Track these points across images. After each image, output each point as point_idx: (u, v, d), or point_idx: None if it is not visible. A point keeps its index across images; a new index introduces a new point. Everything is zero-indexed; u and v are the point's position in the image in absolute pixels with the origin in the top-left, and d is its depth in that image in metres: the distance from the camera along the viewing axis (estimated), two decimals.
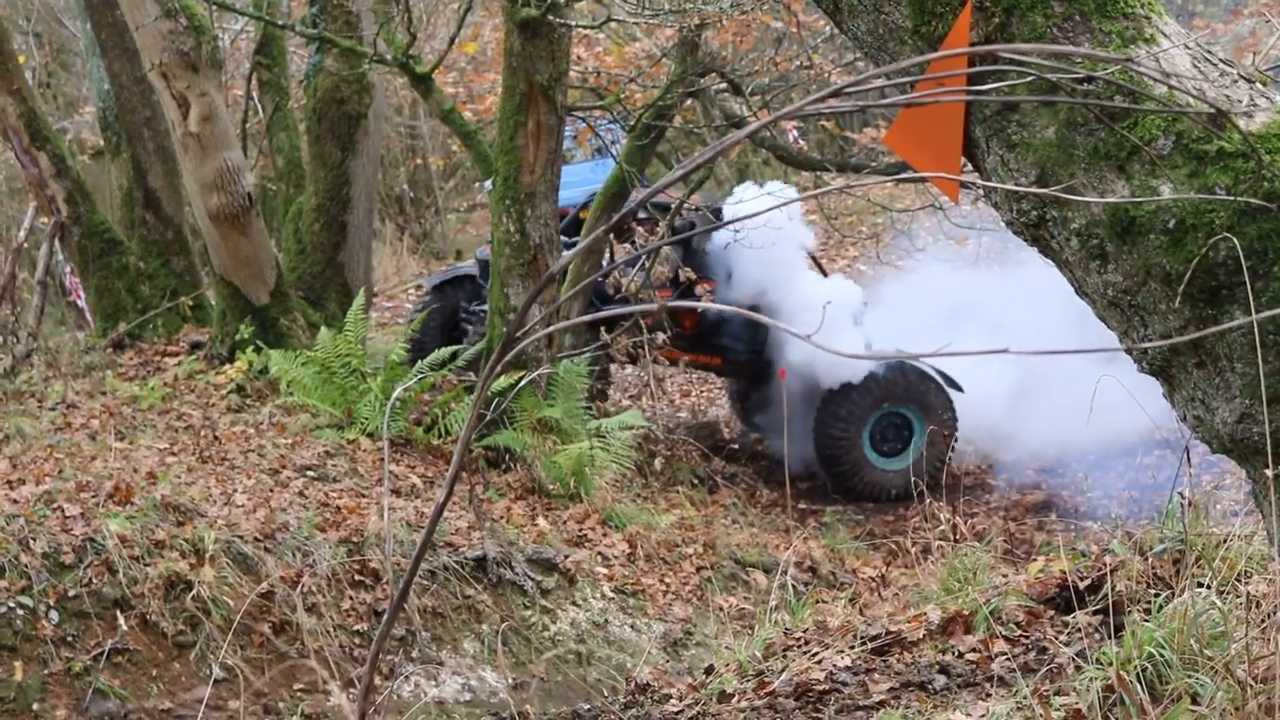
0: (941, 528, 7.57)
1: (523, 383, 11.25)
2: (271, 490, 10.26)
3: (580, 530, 11.14)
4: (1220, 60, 2.77)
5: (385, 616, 2.51)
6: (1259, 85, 2.75)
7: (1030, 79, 2.69)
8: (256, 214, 12.73)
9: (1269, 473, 2.68)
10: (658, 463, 13.80)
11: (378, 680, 9.15)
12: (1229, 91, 2.70)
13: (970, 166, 2.93)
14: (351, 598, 9.55)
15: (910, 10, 2.82)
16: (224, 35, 17.74)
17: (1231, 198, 2.58)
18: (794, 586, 10.86)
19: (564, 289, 13.99)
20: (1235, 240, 2.58)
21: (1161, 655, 4.83)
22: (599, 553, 10.86)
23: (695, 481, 14.17)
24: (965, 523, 8.38)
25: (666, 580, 10.93)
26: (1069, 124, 2.68)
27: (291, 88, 15.55)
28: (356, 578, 9.58)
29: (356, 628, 9.41)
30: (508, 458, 11.85)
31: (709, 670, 6.69)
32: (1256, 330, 2.59)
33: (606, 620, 10.23)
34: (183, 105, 12.20)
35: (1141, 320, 2.73)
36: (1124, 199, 2.63)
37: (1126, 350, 2.80)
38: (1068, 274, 2.83)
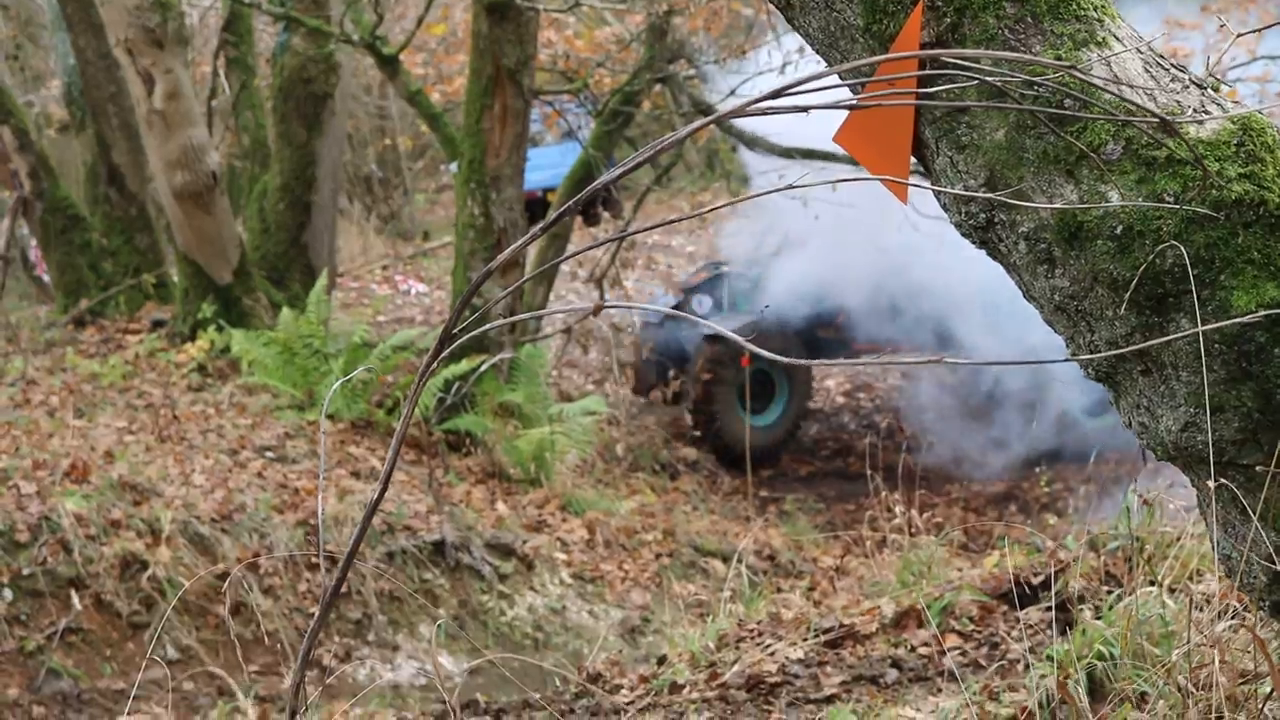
0: (897, 521, 7.57)
1: (484, 366, 11.21)
2: (230, 471, 10.22)
3: (540, 515, 11.13)
4: (1172, 65, 2.76)
5: (318, 613, 2.50)
6: (1210, 91, 2.74)
7: (979, 82, 2.68)
8: (221, 192, 12.66)
9: (1210, 484, 2.67)
10: (620, 448, 13.80)
11: (334, 663, 9.13)
12: (1180, 98, 2.69)
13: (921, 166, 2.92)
14: (308, 580, 9.53)
15: (862, 8, 2.80)
16: (192, 12, 17.62)
17: (1178, 206, 2.58)
18: (752, 576, 10.91)
19: (529, 272, 13.96)
20: (1182, 248, 2.57)
21: (1111, 654, 4.84)
22: (558, 538, 10.85)
23: (657, 468, 14.17)
24: (924, 515, 8.37)
25: (625, 567, 10.93)
26: (1019, 127, 2.67)
27: (259, 65, 15.48)
28: (314, 560, 9.55)
29: (313, 610, 9.37)
30: (469, 442, 11.83)
31: (661, 661, 6.68)
32: (1201, 340, 2.58)
33: (564, 606, 10.23)
34: (148, 82, 12.12)
35: (1088, 326, 2.72)
36: (1072, 204, 2.62)
37: (1073, 356, 2.79)
38: (1015, 278, 2.82)
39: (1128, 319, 2.66)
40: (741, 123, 13.02)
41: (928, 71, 2.72)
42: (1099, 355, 2.71)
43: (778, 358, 2.17)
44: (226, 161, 16.09)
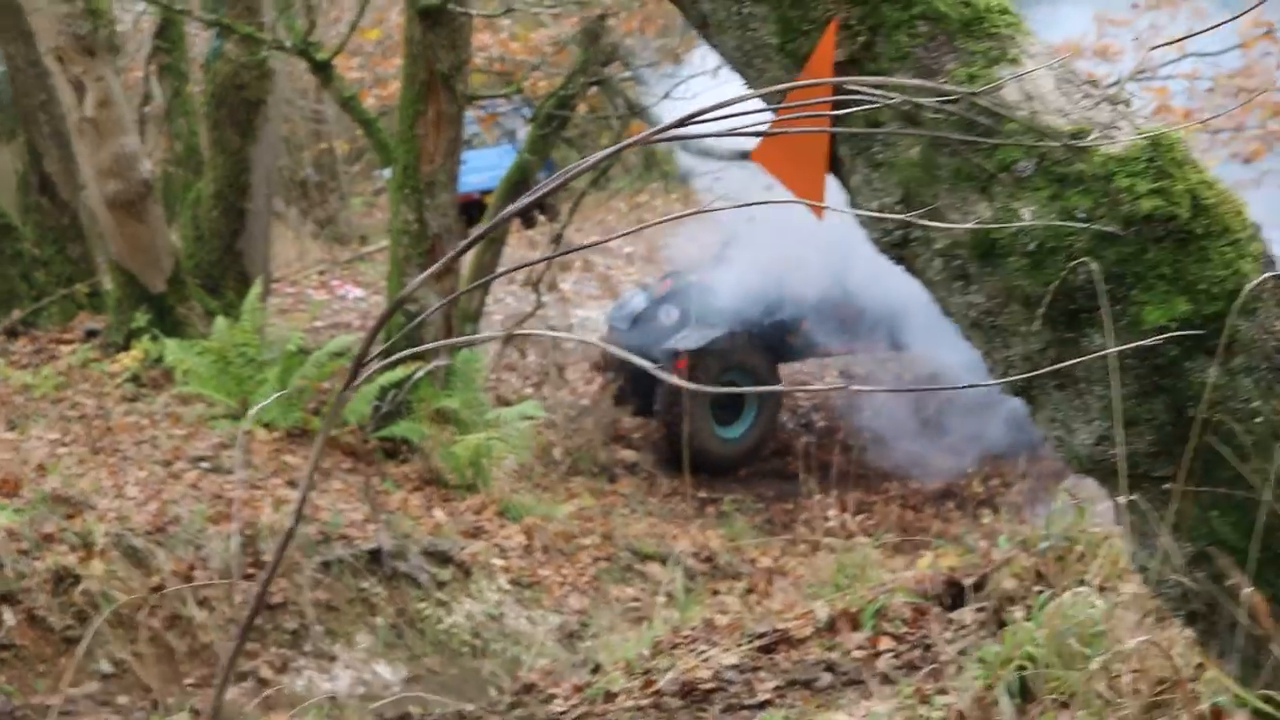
0: (830, 523, 7.61)
1: (419, 374, 11.18)
2: (164, 482, 10.14)
3: (477, 522, 11.10)
4: (1084, 81, 2.79)
5: (239, 629, 2.49)
6: (1121, 106, 2.76)
7: (893, 100, 2.70)
8: (153, 201, 12.57)
9: (1121, 499, 2.70)
10: (558, 452, 13.80)
11: (270, 675, 9.08)
12: (1091, 113, 2.71)
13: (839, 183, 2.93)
14: (244, 591, 9.47)
15: (776, 27, 2.81)
16: (124, 18, 17.51)
17: (1089, 224, 2.60)
18: (689, 578, 10.93)
19: (465, 279, 13.95)
20: (1094, 264, 2.59)
21: (1038, 656, 4.86)
22: (496, 544, 10.83)
23: (595, 470, 14.18)
24: (859, 517, 8.41)
25: (563, 572, 10.91)
26: (932, 145, 2.69)
27: (193, 71, 15.38)
28: (249, 571, 9.49)
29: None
30: (405, 448, 11.79)
31: (596, 669, 6.69)
32: (1112, 358, 2.61)
33: (502, 613, 10.21)
34: (79, 90, 12.02)
35: (1003, 342, 2.75)
36: (985, 222, 2.64)
37: (989, 370, 2.82)
38: (932, 294, 2.84)
39: (1042, 334, 2.68)
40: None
41: (841, 96, 2.73)
42: (1014, 378, 2.73)
43: (688, 384, 2.17)
44: (161, 168, 15.98)
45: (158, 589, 9.08)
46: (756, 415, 15.37)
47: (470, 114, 14.70)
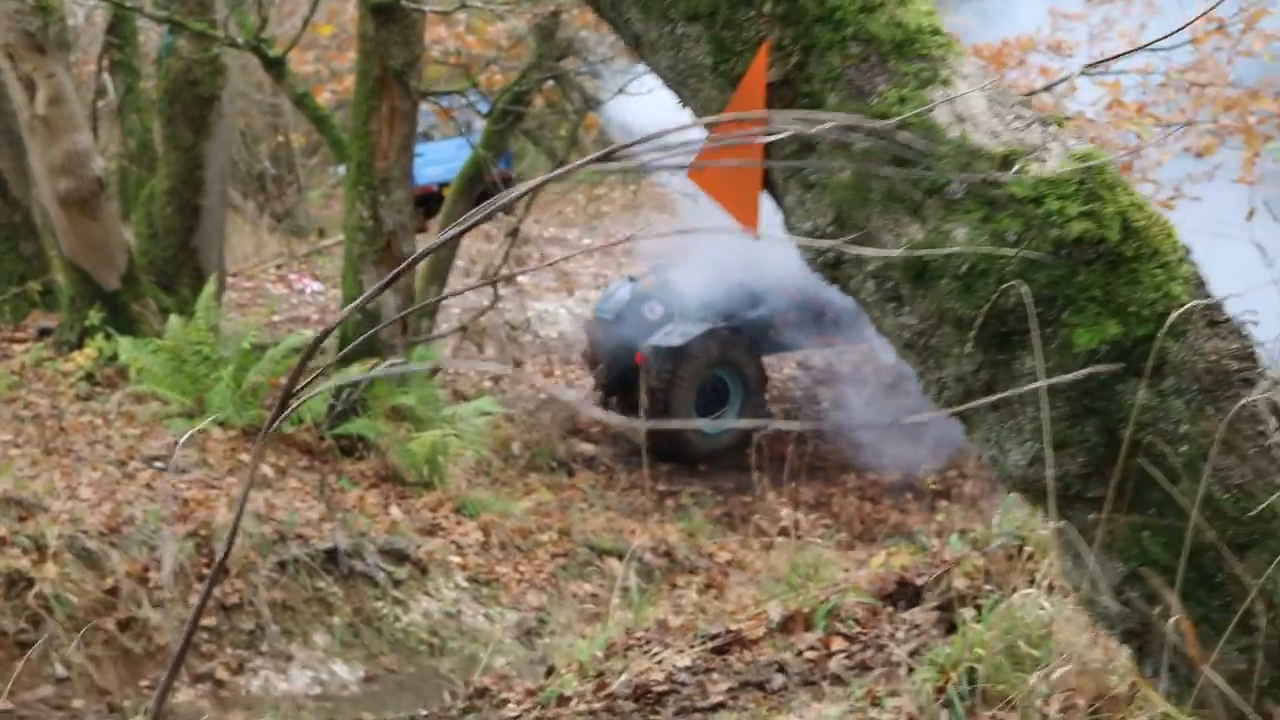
0: (783, 523, 7.62)
1: (374, 373, 11.13)
2: (118, 483, 10.10)
3: (434, 519, 11.09)
4: (1016, 101, 2.80)
5: (179, 643, 2.48)
6: (1054, 127, 2.77)
7: (826, 123, 2.70)
8: (106, 198, 12.50)
9: (1051, 525, 2.71)
10: (516, 446, 13.79)
11: (226, 676, 9.06)
12: (1023, 135, 2.72)
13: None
14: (199, 592, 9.44)
15: (709, 47, 2.81)
16: (77, 12, 17.39)
17: (1018, 246, 2.61)
18: (647, 574, 10.94)
19: (422, 275, 13.93)
20: (1025, 286, 2.60)
21: (992, 659, 4.88)
22: (453, 541, 10.82)
23: (554, 465, 14.17)
24: (814, 515, 8.43)
25: (521, 568, 10.91)
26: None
27: (146, 66, 15.29)
28: (204, 572, 9.46)
29: (205, 623, 9.29)
30: (361, 446, 11.76)
31: (549, 671, 6.69)
32: (1043, 378, 2.62)
33: (459, 610, 10.20)
34: (29, 87, 11.95)
35: (936, 363, 2.75)
36: (916, 244, 2.64)
37: (923, 389, 2.82)
38: (867, 314, 2.85)
39: (975, 356, 2.69)
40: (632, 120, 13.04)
41: (774, 123, 2.73)
42: (947, 410, 2.74)
43: (618, 419, 2.17)
44: (117, 161, 15.89)
45: (112, 591, 9.06)
46: (740, 411, 15.35)
47: (427, 106, 14.64)
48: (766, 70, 2.75)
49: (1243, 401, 2.64)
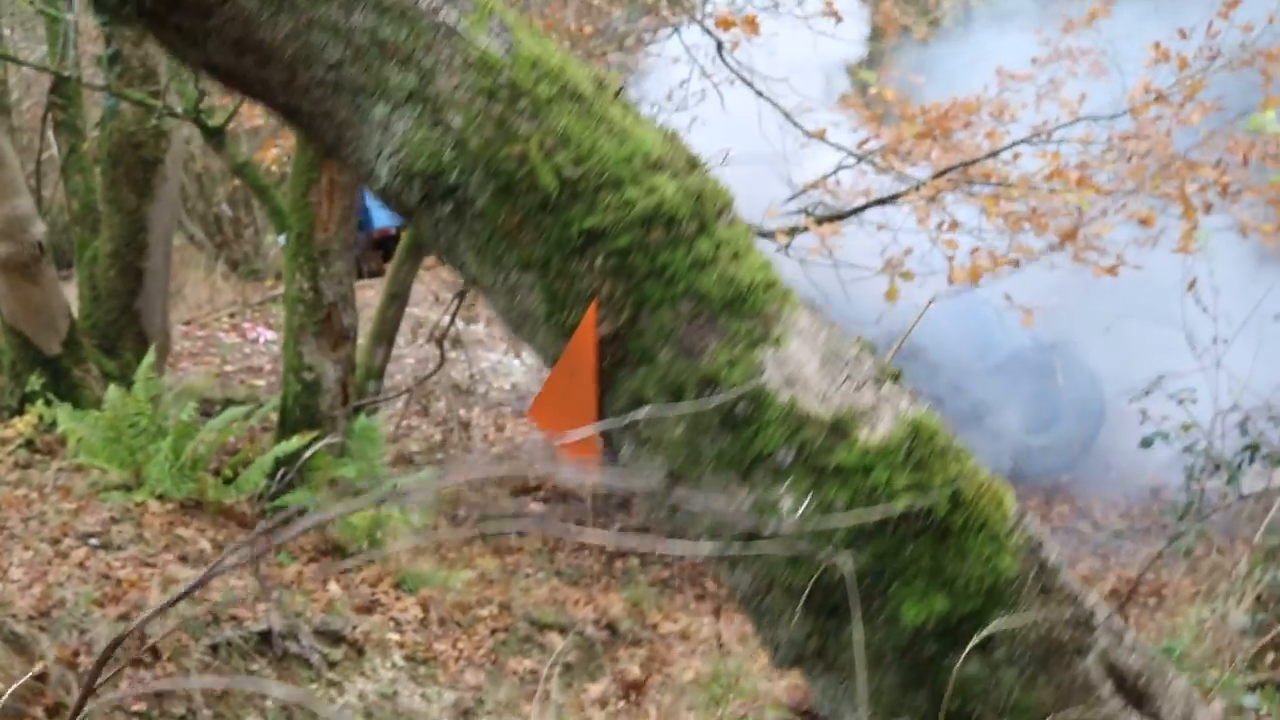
0: (705, 635, 7.57)
1: (316, 446, 11.09)
2: (50, 562, 10.00)
3: (373, 594, 10.99)
4: (853, 357, 2.76)
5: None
6: (889, 385, 2.73)
7: (659, 376, 2.66)
8: (47, 262, 12.42)
9: None
10: (461, 512, 13.71)
11: None
12: (855, 398, 2.68)
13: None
14: (129, 676, 9.34)
15: (542, 297, 2.77)
16: (20, 71, 17.29)
17: (844, 521, 2.57)
18: (588, 647, 10.88)
19: (369, 335, 13.86)
20: (849, 563, 2.57)
21: None
22: (391, 618, 10.73)
23: (500, 532, 14.09)
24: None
25: (460, 645, 10.83)
26: (695, 428, 2.65)
27: (89, 127, 15.20)
28: (136, 656, 9.36)
29: (136, 708, 9.20)
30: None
31: None
32: (874, 650, 2.58)
33: (395, 691, 10.12)
34: None
35: (770, 622, 2.72)
36: (743, 511, 2.61)
37: (761, 644, 2.79)
38: (709, 565, 2.81)
39: (804, 622, 2.66)
40: None
41: (609, 375, 2.70)
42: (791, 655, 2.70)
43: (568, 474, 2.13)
44: (62, 219, 15.80)
45: (41, 677, 8.96)
46: None
47: None
48: (597, 325, 2.71)
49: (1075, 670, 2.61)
